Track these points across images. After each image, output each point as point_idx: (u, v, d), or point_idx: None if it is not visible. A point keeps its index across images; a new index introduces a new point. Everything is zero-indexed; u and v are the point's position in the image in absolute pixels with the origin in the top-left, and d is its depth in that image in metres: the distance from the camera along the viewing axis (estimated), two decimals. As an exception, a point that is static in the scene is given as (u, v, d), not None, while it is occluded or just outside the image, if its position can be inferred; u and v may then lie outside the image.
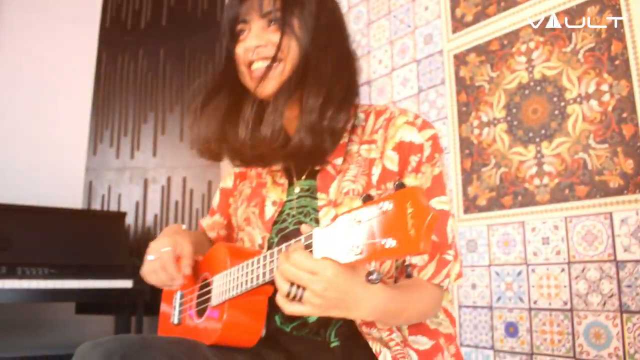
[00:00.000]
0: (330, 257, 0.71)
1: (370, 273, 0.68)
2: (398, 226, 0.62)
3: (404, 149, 0.98)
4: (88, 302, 2.71)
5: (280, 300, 0.77)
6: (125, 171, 2.96)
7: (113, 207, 2.92)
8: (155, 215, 2.91)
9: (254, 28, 1.01)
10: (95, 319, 2.83)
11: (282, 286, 0.75)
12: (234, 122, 1.03)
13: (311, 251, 0.74)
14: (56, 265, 2.25)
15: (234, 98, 1.06)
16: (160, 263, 1.02)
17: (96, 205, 2.92)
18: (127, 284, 2.32)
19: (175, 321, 1.13)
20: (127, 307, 2.54)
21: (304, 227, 0.79)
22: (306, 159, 1.01)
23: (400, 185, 0.64)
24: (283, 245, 0.82)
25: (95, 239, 2.51)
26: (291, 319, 1.02)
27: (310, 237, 0.76)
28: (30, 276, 2.14)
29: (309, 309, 0.75)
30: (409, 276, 0.68)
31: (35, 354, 2.26)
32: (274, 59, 0.98)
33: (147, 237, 2.89)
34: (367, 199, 0.68)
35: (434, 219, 0.60)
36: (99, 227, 2.55)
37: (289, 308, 0.76)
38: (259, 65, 1.00)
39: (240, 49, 1.03)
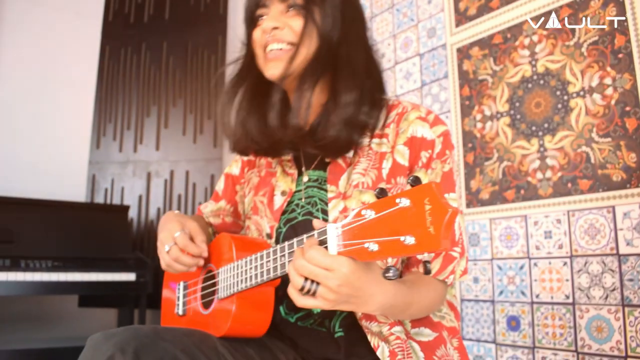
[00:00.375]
0: (345, 253, 0.71)
1: (387, 269, 0.67)
2: (417, 223, 0.61)
3: (415, 144, 0.98)
4: (91, 295, 2.72)
5: (292, 293, 0.77)
6: (128, 165, 2.96)
7: (116, 201, 2.92)
8: (158, 209, 2.92)
9: (272, 11, 1.02)
10: (98, 312, 2.84)
11: (297, 280, 0.75)
12: (259, 112, 1.05)
13: (326, 247, 0.74)
14: (59, 258, 2.26)
15: (256, 86, 1.08)
16: (179, 247, 1.02)
17: (99, 199, 2.92)
18: (130, 277, 2.32)
19: (180, 312, 1.13)
20: (130, 300, 2.55)
21: (316, 222, 0.79)
22: (333, 151, 1.02)
23: (416, 180, 0.64)
24: (294, 240, 0.81)
25: (99, 232, 2.52)
26: (296, 309, 1.03)
27: (324, 232, 0.75)
28: (34, 269, 2.15)
29: (321, 303, 0.75)
30: (428, 272, 0.67)
31: (38, 347, 2.27)
32: (297, 46, 0.99)
33: (150, 230, 2.90)
34: (382, 194, 0.68)
35: (453, 215, 0.60)
36: (102, 221, 2.56)
37: (301, 301, 0.76)
38: (274, 47, 1.01)
39: (257, 32, 1.04)
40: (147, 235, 2.88)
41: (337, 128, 0.97)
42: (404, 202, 0.63)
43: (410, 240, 0.62)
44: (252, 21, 1.07)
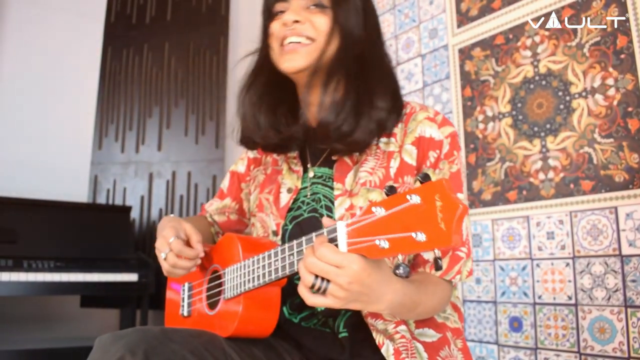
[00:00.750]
0: (355, 250, 0.71)
1: (397, 266, 0.67)
2: (428, 219, 0.61)
3: (423, 144, 0.99)
4: (93, 296, 2.72)
5: (303, 291, 0.77)
6: (130, 165, 2.96)
7: (118, 201, 2.92)
8: (160, 210, 2.92)
9: (293, 5, 1.03)
10: (100, 313, 2.84)
11: (307, 278, 0.75)
12: (270, 107, 1.07)
13: (336, 244, 0.74)
14: (62, 259, 2.26)
15: (269, 81, 1.10)
16: (175, 253, 1.02)
17: (101, 199, 2.92)
18: (132, 277, 2.32)
19: (185, 313, 1.13)
20: (132, 301, 2.54)
21: (325, 220, 0.79)
22: (353, 150, 1.02)
23: (426, 177, 0.64)
24: (303, 239, 0.81)
25: (101, 232, 2.51)
26: (299, 309, 1.03)
27: (334, 230, 0.75)
28: (36, 269, 2.15)
29: (331, 301, 0.75)
30: (439, 268, 0.67)
31: (40, 347, 2.26)
32: (324, 43, 1.00)
33: (152, 231, 2.90)
34: (391, 191, 0.68)
35: (463, 211, 0.60)
36: (104, 221, 2.56)
37: (311, 299, 0.76)
38: (293, 40, 1.01)
39: (276, 25, 1.04)
40: (149, 236, 2.88)
41: (370, 128, 0.98)
42: (415, 199, 0.63)
43: (421, 236, 0.62)
44: (270, 15, 1.07)
